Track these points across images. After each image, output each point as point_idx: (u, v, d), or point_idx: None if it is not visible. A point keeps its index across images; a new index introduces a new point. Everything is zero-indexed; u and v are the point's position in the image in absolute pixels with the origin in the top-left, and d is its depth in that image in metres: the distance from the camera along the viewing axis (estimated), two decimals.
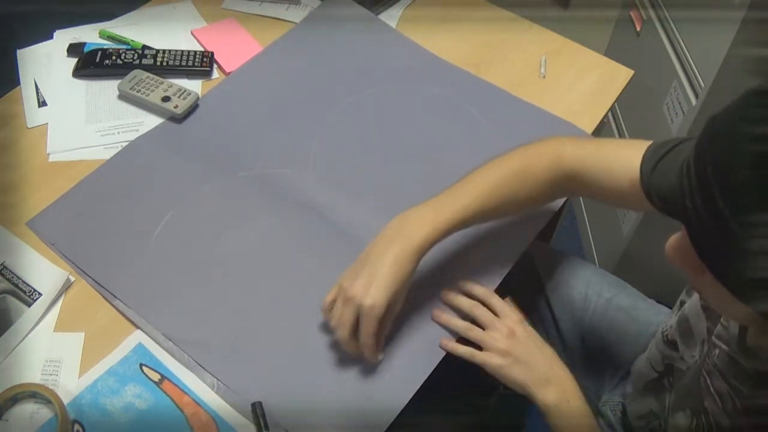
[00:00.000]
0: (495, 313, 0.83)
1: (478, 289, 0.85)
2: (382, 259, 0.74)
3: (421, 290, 0.85)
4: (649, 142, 0.74)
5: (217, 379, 0.78)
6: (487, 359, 0.80)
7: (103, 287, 0.84)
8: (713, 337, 0.67)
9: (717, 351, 0.66)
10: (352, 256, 0.79)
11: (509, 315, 0.83)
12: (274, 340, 0.81)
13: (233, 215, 0.92)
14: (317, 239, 0.90)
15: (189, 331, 0.81)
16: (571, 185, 0.82)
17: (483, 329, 0.82)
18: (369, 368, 0.80)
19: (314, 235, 0.90)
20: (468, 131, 1.05)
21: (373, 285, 0.73)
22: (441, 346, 0.82)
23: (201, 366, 0.79)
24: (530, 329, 0.83)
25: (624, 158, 0.75)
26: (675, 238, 0.54)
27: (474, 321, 0.83)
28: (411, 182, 0.96)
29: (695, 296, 0.76)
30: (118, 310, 0.83)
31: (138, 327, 0.82)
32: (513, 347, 0.80)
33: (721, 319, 0.67)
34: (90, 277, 0.85)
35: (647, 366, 0.84)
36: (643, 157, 0.72)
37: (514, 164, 0.83)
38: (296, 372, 0.79)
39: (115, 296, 0.84)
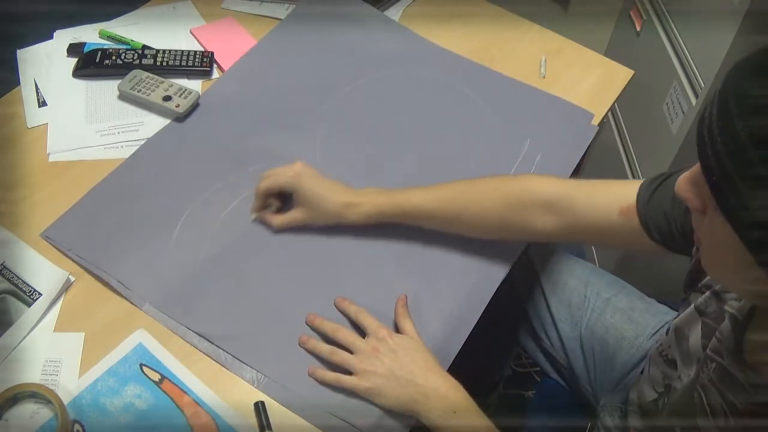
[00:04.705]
0: (365, 331, 0.80)
1: (351, 308, 0.82)
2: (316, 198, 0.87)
3: (426, 298, 0.86)
4: (634, 180, 0.76)
5: (257, 372, 0.78)
6: (355, 383, 0.76)
7: (129, 289, 0.83)
8: (708, 351, 0.66)
9: (714, 365, 0.64)
10: (364, 242, 0.89)
11: (376, 331, 0.78)
12: (301, 329, 0.82)
13: (249, 210, 0.92)
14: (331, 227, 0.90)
15: (222, 327, 0.81)
16: (544, 217, 0.80)
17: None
18: None
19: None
20: (467, 114, 1.06)
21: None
22: (309, 374, 0.78)
23: (240, 361, 0.79)
24: (401, 340, 0.78)
25: (611, 190, 0.77)
26: (688, 172, 0.53)
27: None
28: (418, 167, 0.98)
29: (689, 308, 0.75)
30: (147, 314, 0.82)
31: (173, 331, 0.81)
32: (379, 366, 0.76)
33: (716, 333, 0.65)
34: (117, 281, 0.84)
35: (649, 387, 0.81)
36: (640, 188, 0.74)
37: (485, 181, 0.85)
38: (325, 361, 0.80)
39: (143, 300, 0.83)
